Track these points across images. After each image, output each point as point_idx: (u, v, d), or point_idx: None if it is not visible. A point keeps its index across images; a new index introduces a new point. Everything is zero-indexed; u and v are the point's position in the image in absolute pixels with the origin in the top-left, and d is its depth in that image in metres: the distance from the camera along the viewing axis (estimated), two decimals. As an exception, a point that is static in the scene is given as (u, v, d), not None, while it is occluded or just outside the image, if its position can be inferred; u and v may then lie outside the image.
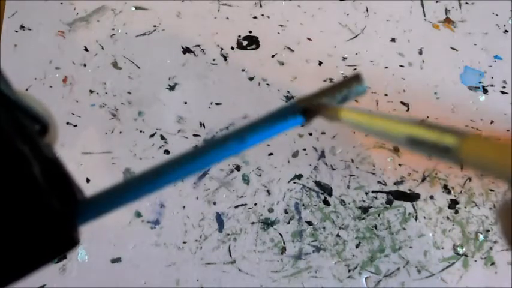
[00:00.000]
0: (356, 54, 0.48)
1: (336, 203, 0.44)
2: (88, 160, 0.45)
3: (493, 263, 0.42)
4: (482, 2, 0.50)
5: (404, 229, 0.43)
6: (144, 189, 0.18)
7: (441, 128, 0.13)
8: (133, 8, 0.50)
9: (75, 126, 0.46)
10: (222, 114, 0.46)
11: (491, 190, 0.44)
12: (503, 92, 0.47)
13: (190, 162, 0.18)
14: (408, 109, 0.46)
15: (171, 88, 0.47)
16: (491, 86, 0.47)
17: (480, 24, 0.49)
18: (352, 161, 0.45)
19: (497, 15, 0.49)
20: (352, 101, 0.18)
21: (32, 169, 0.16)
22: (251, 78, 0.48)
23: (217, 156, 0.18)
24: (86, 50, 0.49)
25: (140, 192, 0.18)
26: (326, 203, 0.44)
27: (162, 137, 0.46)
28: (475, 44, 0.49)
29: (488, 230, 0.43)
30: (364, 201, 0.44)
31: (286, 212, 0.44)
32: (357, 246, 0.43)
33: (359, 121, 0.17)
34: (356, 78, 0.18)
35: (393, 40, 0.49)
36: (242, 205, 0.44)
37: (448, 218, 0.43)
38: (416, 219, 0.43)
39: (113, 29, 0.49)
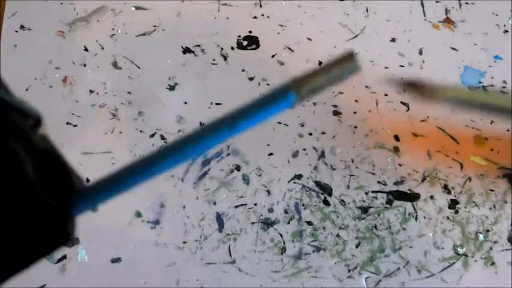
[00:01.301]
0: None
1: (336, 203, 0.44)
2: (88, 160, 0.45)
3: (493, 263, 0.42)
4: (482, 2, 0.50)
5: (404, 229, 0.43)
6: (139, 176, 0.18)
7: None
8: (133, 8, 0.50)
9: (75, 126, 0.46)
10: (222, 114, 0.46)
11: (491, 190, 0.44)
12: (503, 92, 0.47)
13: (182, 149, 0.18)
14: (408, 109, 0.46)
15: (171, 88, 0.47)
16: (491, 86, 0.47)
17: (480, 24, 0.49)
18: (352, 161, 0.45)
19: (497, 15, 0.49)
20: (346, 80, 0.18)
21: (23, 167, 0.16)
22: (251, 78, 0.48)
23: (208, 143, 0.18)
24: (86, 50, 0.49)
25: (135, 180, 0.18)
26: (326, 203, 0.44)
27: (162, 137, 0.46)
28: (475, 44, 0.49)
29: (488, 230, 0.43)
30: (364, 201, 0.44)
31: (286, 212, 0.44)
32: (357, 246, 0.43)
33: (463, 98, 0.17)
34: (349, 57, 0.18)
35: (393, 40, 0.49)
36: (242, 205, 0.44)
37: (448, 218, 0.43)
38: (416, 219, 0.43)
39: (113, 29, 0.49)
